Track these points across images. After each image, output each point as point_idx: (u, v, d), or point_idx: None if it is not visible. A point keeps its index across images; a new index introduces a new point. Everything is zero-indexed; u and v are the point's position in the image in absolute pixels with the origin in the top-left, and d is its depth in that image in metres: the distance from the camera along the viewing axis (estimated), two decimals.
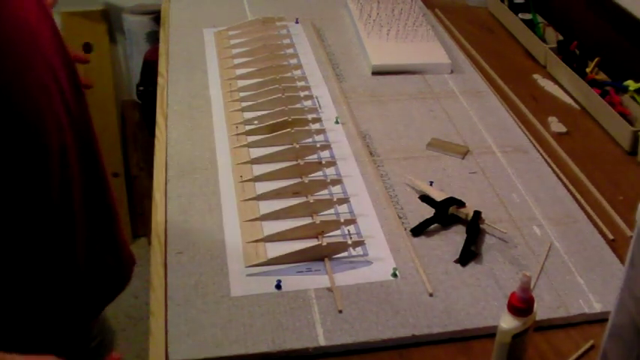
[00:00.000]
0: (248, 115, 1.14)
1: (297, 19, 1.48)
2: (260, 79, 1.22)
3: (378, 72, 1.30)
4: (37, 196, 0.81)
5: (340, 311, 0.80)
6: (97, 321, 1.07)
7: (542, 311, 0.81)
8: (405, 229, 0.92)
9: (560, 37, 1.40)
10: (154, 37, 1.99)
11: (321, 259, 0.87)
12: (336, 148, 1.08)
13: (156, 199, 0.96)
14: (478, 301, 0.82)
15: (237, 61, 1.30)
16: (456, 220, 0.94)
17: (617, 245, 0.93)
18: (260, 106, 1.15)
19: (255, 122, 1.12)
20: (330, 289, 0.83)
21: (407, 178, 1.02)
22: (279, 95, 1.16)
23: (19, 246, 0.81)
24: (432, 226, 0.93)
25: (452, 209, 0.94)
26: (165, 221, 0.92)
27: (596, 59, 1.33)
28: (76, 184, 0.86)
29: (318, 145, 1.06)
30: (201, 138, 1.09)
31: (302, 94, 1.19)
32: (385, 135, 1.12)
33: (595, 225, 0.96)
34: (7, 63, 0.73)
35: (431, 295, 0.83)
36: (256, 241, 0.89)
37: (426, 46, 1.37)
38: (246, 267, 0.85)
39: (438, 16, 1.59)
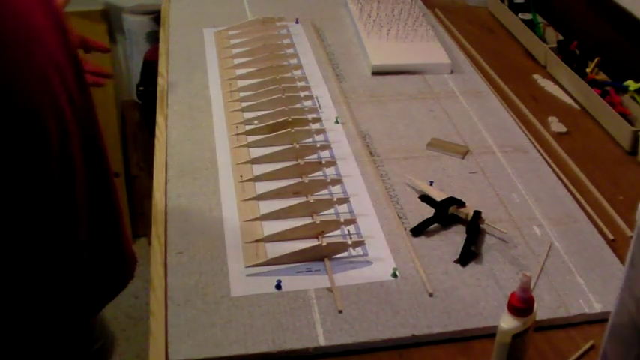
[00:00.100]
0: (248, 115, 1.14)
1: (297, 19, 1.48)
2: (260, 79, 1.22)
3: (378, 72, 1.30)
4: (40, 191, 0.81)
5: (340, 311, 0.80)
6: (99, 323, 1.07)
7: (542, 311, 0.81)
8: (405, 229, 0.92)
9: (560, 37, 1.40)
10: (154, 37, 1.99)
11: (321, 259, 0.87)
12: (336, 148, 1.08)
13: (156, 199, 0.96)
14: (478, 301, 0.82)
15: (237, 61, 1.30)
16: (456, 220, 0.94)
17: (617, 245, 0.93)
18: (260, 106, 1.15)
19: (255, 122, 1.12)
20: (330, 289, 0.83)
21: (407, 178, 1.02)
22: (279, 95, 1.17)
23: (22, 242, 0.82)
24: (432, 226, 0.93)
25: (452, 209, 0.94)
26: (165, 221, 0.92)
27: (596, 59, 1.33)
28: (80, 181, 0.86)
29: (318, 145, 1.06)
30: (201, 138, 1.09)
31: (302, 94, 1.19)
32: (385, 135, 1.12)
33: (595, 225, 0.96)
34: (6, 57, 0.73)
35: (431, 295, 0.83)
36: (256, 241, 0.89)
37: (426, 46, 1.37)
38: (246, 267, 0.85)
39: (438, 16, 1.59)
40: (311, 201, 0.93)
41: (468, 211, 0.93)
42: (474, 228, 0.91)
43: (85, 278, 0.92)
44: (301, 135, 1.08)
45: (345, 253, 0.88)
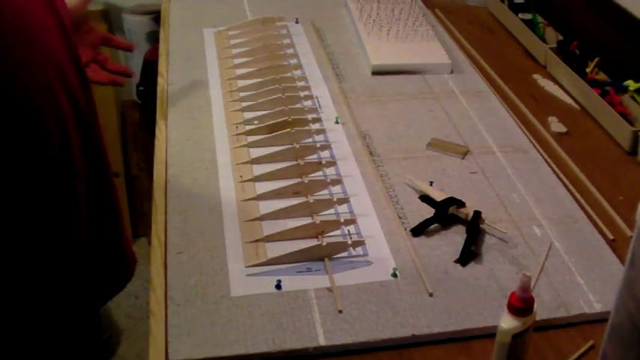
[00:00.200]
0: (248, 115, 1.14)
1: (297, 19, 1.48)
2: (260, 79, 1.22)
3: (378, 72, 1.30)
4: (39, 190, 0.81)
5: (340, 311, 0.80)
6: (105, 316, 1.08)
7: (542, 311, 0.81)
8: (405, 229, 0.92)
9: (560, 37, 1.40)
10: (154, 37, 1.99)
11: (321, 259, 0.87)
12: (336, 148, 1.08)
13: (156, 199, 0.96)
14: (478, 301, 0.82)
15: (237, 61, 1.30)
16: (456, 220, 0.94)
17: (617, 245, 0.93)
18: (260, 106, 1.15)
19: (255, 122, 1.12)
20: (330, 289, 0.83)
21: (407, 178, 1.02)
22: (279, 95, 1.17)
23: (22, 241, 0.82)
24: (432, 226, 0.93)
25: (452, 209, 0.94)
26: (165, 221, 0.92)
27: (596, 59, 1.33)
28: (80, 181, 0.86)
29: (318, 145, 1.06)
30: (201, 138, 1.09)
31: (302, 94, 1.19)
32: (385, 135, 1.12)
33: (595, 225, 0.96)
34: (6, 56, 0.73)
35: (431, 295, 0.83)
36: (256, 241, 0.89)
37: (426, 46, 1.37)
38: (246, 267, 0.85)
39: (438, 16, 1.59)
40: (311, 201, 0.93)
41: (468, 211, 0.93)
42: (474, 228, 0.91)
43: (84, 277, 0.92)
44: (301, 135, 1.08)
45: (345, 253, 0.88)
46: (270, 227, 0.91)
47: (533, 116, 1.21)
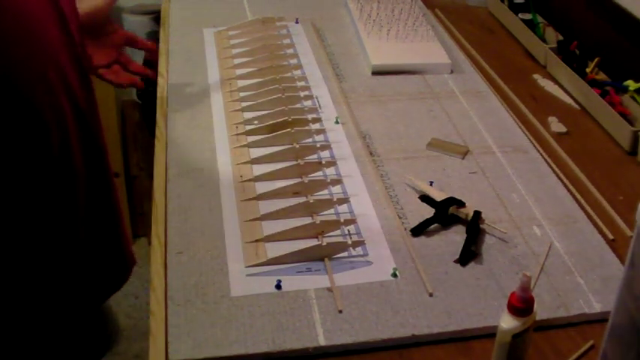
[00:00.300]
0: (248, 115, 1.14)
1: (297, 19, 1.48)
2: (260, 79, 1.22)
3: (378, 72, 1.30)
4: (39, 189, 0.81)
5: (340, 311, 0.80)
6: (107, 311, 1.08)
7: (542, 311, 0.81)
8: (405, 229, 0.92)
9: (560, 37, 1.40)
10: (153, 37, 1.99)
11: (321, 259, 0.87)
12: (336, 148, 1.08)
13: (156, 199, 0.96)
14: (478, 301, 0.82)
15: (237, 61, 1.30)
16: (456, 220, 0.94)
17: (617, 245, 0.93)
18: (260, 106, 1.15)
19: (255, 122, 1.12)
20: (330, 289, 0.83)
21: (407, 178, 1.02)
22: (279, 95, 1.17)
23: (22, 240, 0.82)
24: (432, 226, 0.93)
25: (452, 209, 0.94)
26: (165, 221, 0.92)
27: (596, 59, 1.33)
28: (80, 181, 0.86)
29: (318, 145, 1.06)
30: (201, 138, 1.09)
31: (302, 94, 1.19)
32: (385, 135, 1.12)
33: (595, 225, 0.96)
34: (5, 55, 0.73)
35: (431, 295, 0.83)
36: (256, 241, 0.89)
37: (426, 46, 1.37)
38: (246, 267, 0.85)
39: (438, 16, 1.59)
40: (311, 201, 0.93)
41: (468, 211, 0.93)
42: (474, 228, 0.91)
43: (82, 275, 0.92)
44: (301, 135, 1.08)
45: (345, 253, 0.88)
46: (270, 227, 0.91)
47: (533, 116, 1.21)
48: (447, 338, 0.79)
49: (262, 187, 0.97)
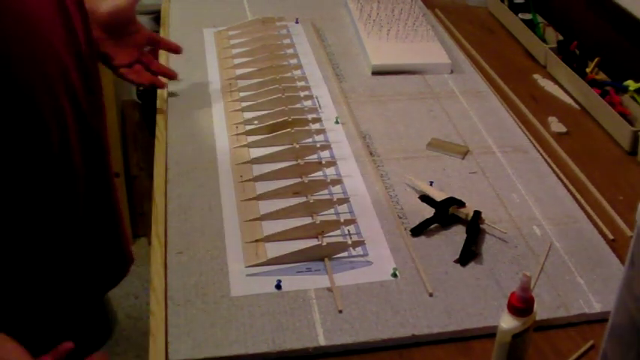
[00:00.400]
0: (248, 115, 1.14)
1: (297, 19, 1.48)
2: (260, 79, 1.22)
3: (378, 72, 1.30)
4: (38, 187, 0.81)
5: (340, 311, 0.80)
6: (106, 305, 1.09)
7: (542, 311, 0.81)
8: (405, 229, 0.92)
9: (560, 37, 1.40)
10: None
11: (321, 259, 0.87)
12: (336, 148, 1.08)
13: (156, 199, 0.96)
14: (478, 301, 0.82)
15: (237, 61, 1.30)
16: (456, 220, 0.94)
17: (617, 245, 0.93)
18: (260, 106, 1.15)
19: (255, 122, 1.12)
20: (330, 289, 0.83)
21: (407, 178, 1.02)
22: (279, 95, 1.16)
23: (21, 238, 0.82)
24: (432, 226, 0.93)
25: (452, 209, 0.94)
26: (165, 221, 0.92)
27: (596, 59, 1.33)
28: (80, 181, 0.86)
29: (318, 145, 1.06)
30: (201, 138, 1.09)
31: (302, 94, 1.19)
32: (385, 135, 1.12)
33: (595, 225, 0.96)
34: (5, 53, 0.73)
35: (431, 295, 0.83)
36: (256, 241, 0.89)
37: (426, 46, 1.37)
38: (246, 267, 0.85)
39: (438, 16, 1.59)
40: (311, 201, 0.93)
41: (468, 211, 0.93)
42: (474, 228, 0.91)
43: (82, 272, 0.93)
44: (301, 135, 1.08)
45: (345, 253, 0.88)
46: (270, 227, 0.91)
47: (533, 116, 1.21)
48: (447, 338, 0.79)
49: (262, 187, 0.97)
